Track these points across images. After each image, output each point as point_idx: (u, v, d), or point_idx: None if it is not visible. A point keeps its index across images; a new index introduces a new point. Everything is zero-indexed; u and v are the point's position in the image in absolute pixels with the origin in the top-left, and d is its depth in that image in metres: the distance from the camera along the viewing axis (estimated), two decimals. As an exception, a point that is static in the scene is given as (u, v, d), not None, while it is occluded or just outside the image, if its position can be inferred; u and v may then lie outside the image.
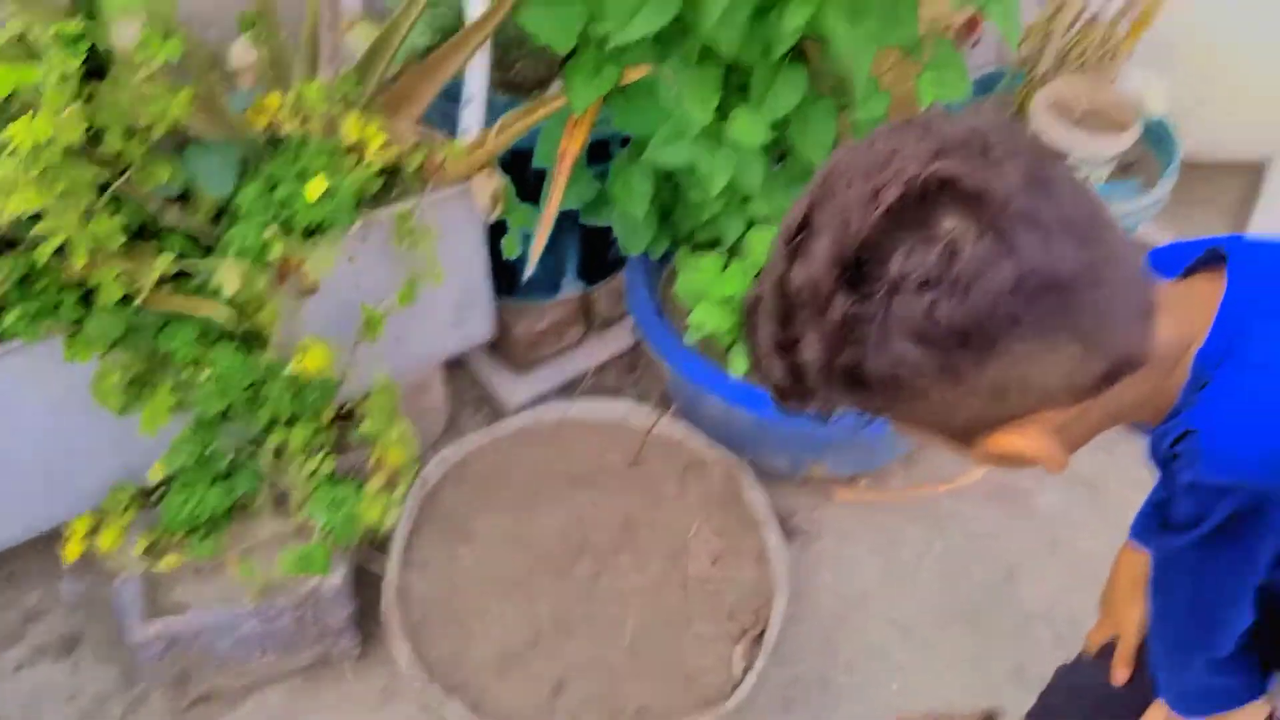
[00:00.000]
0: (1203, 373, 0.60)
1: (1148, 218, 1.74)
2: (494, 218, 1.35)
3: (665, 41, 1.28)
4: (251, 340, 1.18)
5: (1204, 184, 1.94)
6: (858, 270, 0.54)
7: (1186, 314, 0.61)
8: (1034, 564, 1.52)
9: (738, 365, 1.41)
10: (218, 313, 1.13)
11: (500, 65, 1.51)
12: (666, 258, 1.57)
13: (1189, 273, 0.67)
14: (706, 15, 1.16)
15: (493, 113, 1.37)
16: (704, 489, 1.43)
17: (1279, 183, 1.94)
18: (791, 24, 1.17)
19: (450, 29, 1.39)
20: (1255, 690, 0.78)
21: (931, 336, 0.54)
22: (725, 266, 1.44)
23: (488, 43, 1.28)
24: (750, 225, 1.47)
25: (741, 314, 0.66)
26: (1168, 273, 0.68)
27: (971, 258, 0.53)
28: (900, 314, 0.54)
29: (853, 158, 0.58)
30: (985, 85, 1.79)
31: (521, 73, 1.55)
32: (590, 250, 1.63)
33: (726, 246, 1.47)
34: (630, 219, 1.43)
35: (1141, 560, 0.91)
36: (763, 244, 1.45)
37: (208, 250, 1.17)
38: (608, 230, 1.50)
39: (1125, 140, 1.59)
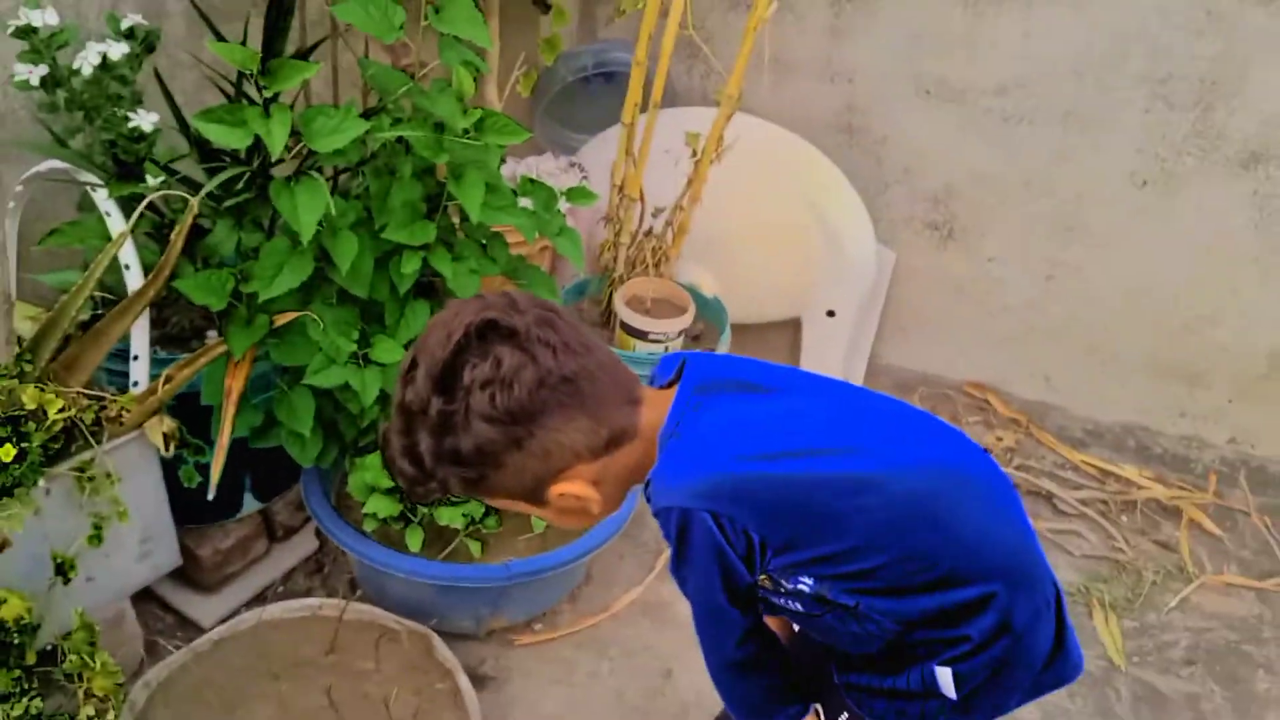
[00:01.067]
0: (661, 447, 0.97)
1: (720, 372, 2.22)
2: (170, 454, 1.53)
3: (308, 289, 1.55)
4: (-54, 602, 1.26)
5: (760, 341, 2.49)
6: (443, 383, 0.89)
7: (660, 408, 0.99)
8: (684, 662, 1.85)
9: (413, 543, 1.66)
10: (-90, 582, 1.22)
11: (156, 323, 1.71)
12: (337, 463, 1.80)
13: (671, 381, 1.05)
14: (339, 268, 1.46)
15: (154, 364, 1.56)
16: (398, 658, 1.63)
17: (812, 334, 2.52)
18: (408, 269, 1.51)
19: (106, 300, 1.58)
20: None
21: (495, 417, 0.89)
22: (387, 464, 1.70)
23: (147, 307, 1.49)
24: (404, 426, 1.74)
25: (379, 441, 1.01)
26: (663, 378, 1.06)
27: (510, 366, 0.89)
28: (474, 406, 0.89)
29: (436, 319, 0.95)
30: (579, 290, 2.24)
31: (177, 325, 1.76)
32: (264, 469, 1.82)
33: (386, 447, 1.74)
34: (298, 438, 1.65)
35: None
36: (417, 440, 1.74)
37: (-110, 527, 1.26)
38: (279, 448, 1.70)
39: (686, 319, 2.07)
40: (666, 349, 2.08)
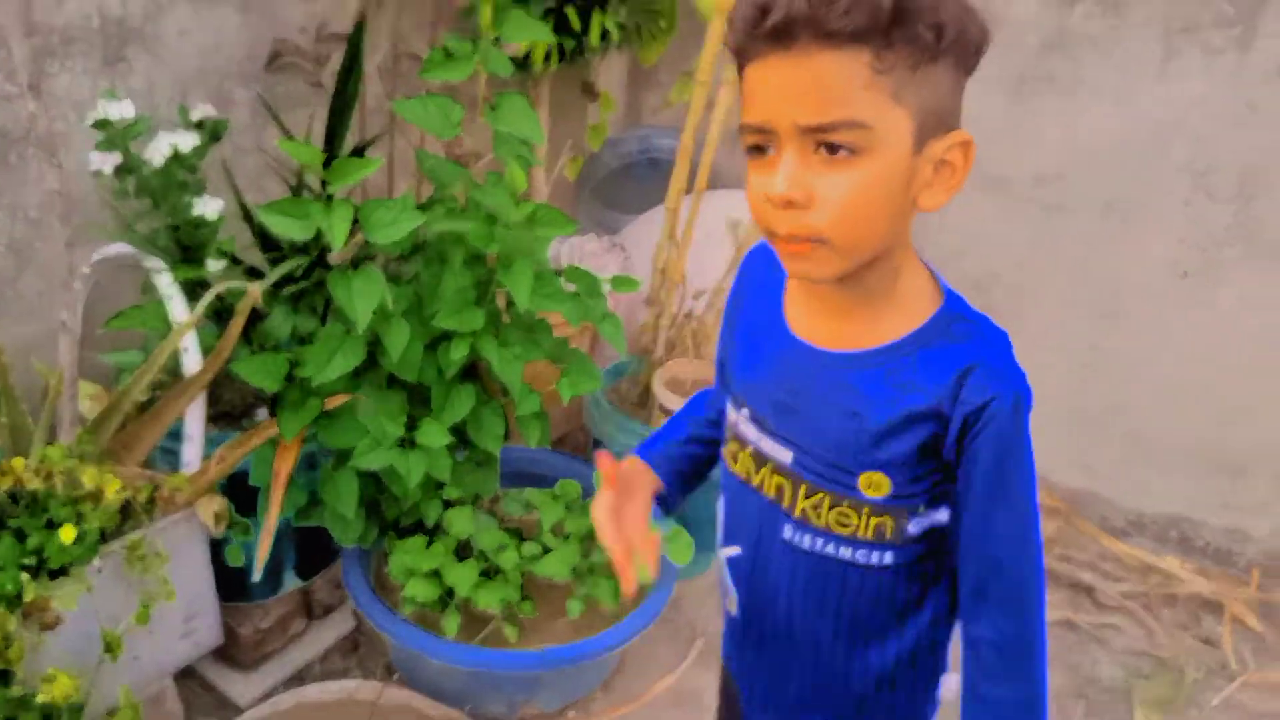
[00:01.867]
0: (950, 319, 0.87)
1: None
2: (220, 534, 1.55)
3: (358, 373, 1.59)
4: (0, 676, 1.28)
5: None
6: None
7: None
8: (719, 753, 1.83)
9: (450, 627, 1.67)
10: (-35, 660, 1.24)
11: (208, 401, 1.75)
12: (377, 543, 1.82)
13: None
14: (389, 354, 1.50)
15: (207, 443, 1.59)
16: (433, 743, 1.63)
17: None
18: (457, 355, 1.54)
19: (163, 381, 1.62)
20: None
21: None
22: (429, 545, 1.72)
23: (204, 389, 1.53)
24: (446, 507, 1.76)
25: None
26: None
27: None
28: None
29: None
30: (619, 370, 2.26)
31: (229, 403, 1.80)
32: (306, 547, 1.84)
33: (429, 527, 1.76)
34: (341, 518, 1.67)
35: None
36: (460, 520, 1.75)
37: (-51, 604, 1.29)
38: (321, 526, 1.73)
39: (726, 401, 2.08)
40: (705, 432, 2.09)
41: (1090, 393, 2.51)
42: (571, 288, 1.73)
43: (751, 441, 0.99)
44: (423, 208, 1.53)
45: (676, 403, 2.06)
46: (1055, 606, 2.25)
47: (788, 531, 0.98)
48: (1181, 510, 2.56)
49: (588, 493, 1.96)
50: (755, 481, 1.00)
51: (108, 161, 1.46)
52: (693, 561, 1.86)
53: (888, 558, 0.96)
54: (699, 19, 2.06)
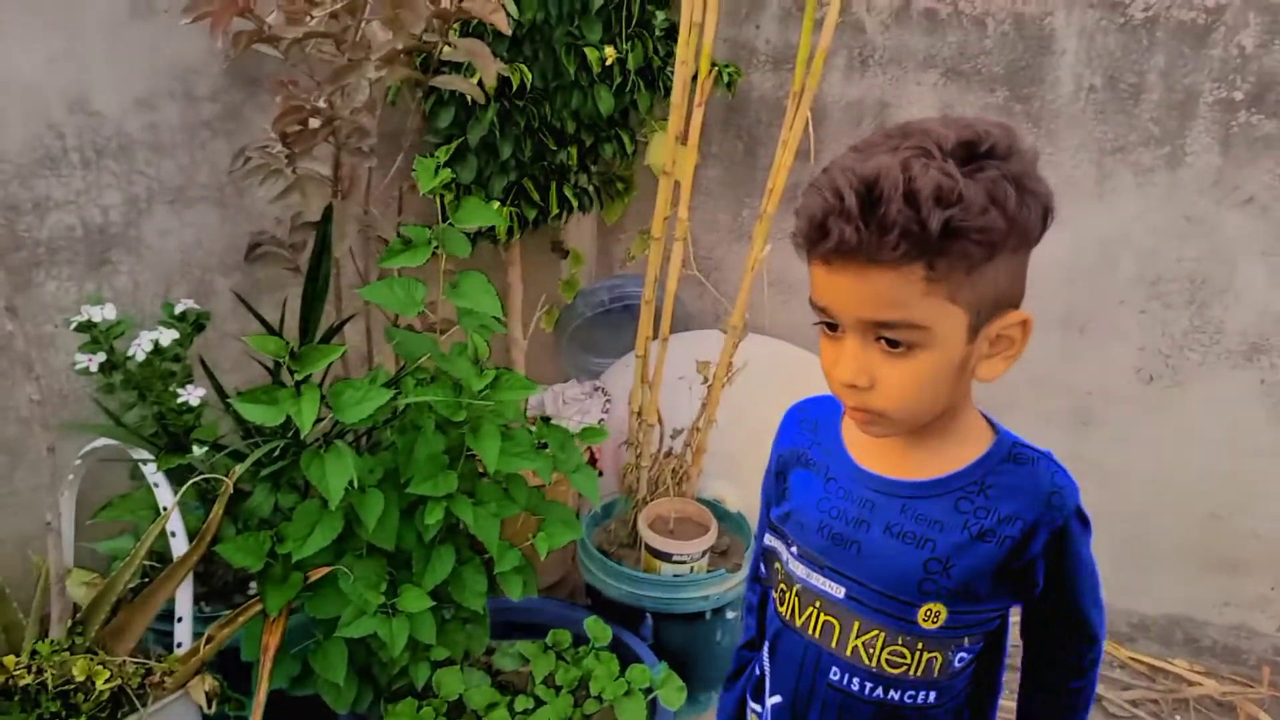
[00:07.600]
0: (1008, 448, 0.95)
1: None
2: (213, 712, 1.58)
3: (339, 541, 1.64)
4: None
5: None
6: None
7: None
8: None
9: (442, 791, 1.67)
10: None
11: (201, 578, 1.80)
12: (373, 708, 1.84)
13: None
14: (365, 525, 1.56)
15: (199, 619, 1.64)
16: None
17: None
18: (432, 519, 1.60)
19: (153, 566, 1.68)
20: None
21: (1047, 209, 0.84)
22: (420, 708, 1.74)
23: (191, 571, 1.59)
24: (437, 667, 1.79)
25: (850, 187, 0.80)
26: None
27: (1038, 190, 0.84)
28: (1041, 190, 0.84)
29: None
30: (609, 510, 2.31)
31: (221, 579, 1.85)
32: (304, 715, 1.86)
33: (419, 689, 1.78)
34: (334, 686, 1.70)
35: None
36: (449, 681, 1.78)
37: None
38: (317, 695, 1.75)
39: (710, 538, 2.12)
40: (691, 570, 2.12)
41: (1075, 500, 2.53)
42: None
43: (800, 579, 1.02)
44: (393, 382, 1.62)
45: (661, 542, 2.10)
46: (1061, 722, 2.23)
47: (835, 674, 1.01)
48: (1183, 610, 2.55)
49: (580, 640, 1.99)
50: (799, 621, 1.03)
51: (93, 361, 1.56)
52: (691, 701, 1.88)
53: (932, 697, 1.00)
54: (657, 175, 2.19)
